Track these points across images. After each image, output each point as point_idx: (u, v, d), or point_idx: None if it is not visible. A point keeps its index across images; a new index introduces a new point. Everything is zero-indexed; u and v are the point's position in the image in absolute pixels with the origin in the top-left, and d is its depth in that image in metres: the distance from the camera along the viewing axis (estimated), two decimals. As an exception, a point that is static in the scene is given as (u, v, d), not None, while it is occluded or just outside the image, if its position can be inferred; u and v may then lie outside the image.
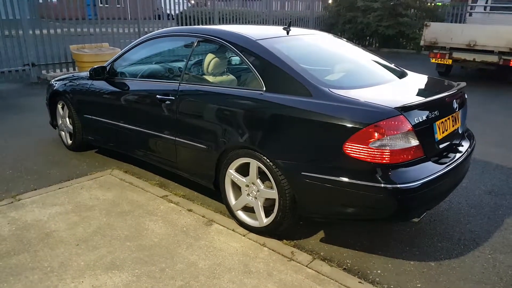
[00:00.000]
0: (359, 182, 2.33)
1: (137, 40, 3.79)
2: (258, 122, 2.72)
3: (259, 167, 2.75)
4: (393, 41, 15.69)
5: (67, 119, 4.49)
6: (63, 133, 4.64)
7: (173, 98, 3.21)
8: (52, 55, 9.16)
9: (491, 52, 8.48)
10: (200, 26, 3.58)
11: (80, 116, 4.25)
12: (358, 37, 16.77)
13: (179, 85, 3.24)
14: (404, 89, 2.98)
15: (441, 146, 2.65)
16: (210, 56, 3.23)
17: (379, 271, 2.57)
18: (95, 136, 4.22)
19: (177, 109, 3.19)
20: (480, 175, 4.11)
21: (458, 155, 2.75)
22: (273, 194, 2.70)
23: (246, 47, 2.92)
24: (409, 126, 2.32)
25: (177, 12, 12.24)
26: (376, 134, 2.27)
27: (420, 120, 2.41)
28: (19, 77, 8.76)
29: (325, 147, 2.45)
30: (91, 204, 3.29)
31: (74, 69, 9.46)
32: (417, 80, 3.26)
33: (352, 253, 2.75)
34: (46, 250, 2.64)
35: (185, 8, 12.38)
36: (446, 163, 2.59)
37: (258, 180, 2.80)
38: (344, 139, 2.34)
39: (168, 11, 12.13)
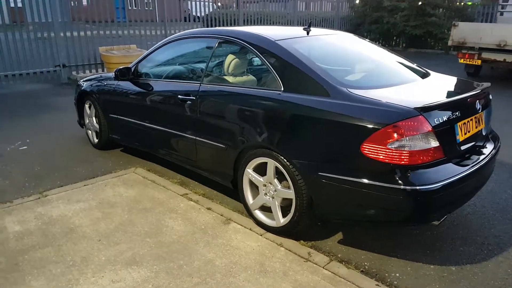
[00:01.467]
0: (376, 183, 2.31)
1: (160, 42, 3.87)
2: (276, 122, 2.74)
3: (276, 167, 2.76)
4: (420, 41, 15.38)
5: (93, 118, 4.63)
6: (89, 132, 4.79)
7: (194, 98, 3.26)
8: (82, 57, 9.45)
9: (522, 52, 8.20)
10: (221, 28, 3.63)
11: (106, 116, 4.38)
12: (385, 37, 16.51)
13: (200, 85, 3.29)
14: (426, 89, 2.93)
15: (463, 147, 2.59)
16: (230, 57, 3.27)
17: (397, 274, 2.53)
18: (120, 135, 4.33)
19: (198, 109, 3.24)
20: (507, 179, 3.98)
21: (481, 157, 2.68)
22: (290, 194, 2.71)
23: (265, 47, 2.94)
24: (429, 127, 2.29)
25: (203, 14, 12.40)
26: (394, 135, 2.24)
27: (441, 121, 2.37)
28: (50, 77, 9.09)
29: (343, 147, 2.44)
30: (114, 201, 3.38)
31: (103, 70, 9.73)
32: (439, 81, 3.20)
33: (370, 255, 2.72)
34: (69, 244, 2.74)
35: (211, 10, 12.51)
36: (468, 165, 2.53)
37: (275, 180, 2.81)
38: (362, 139, 2.32)
39: (195, 13, 12.30)
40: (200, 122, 3.26)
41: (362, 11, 16.56)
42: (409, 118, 2.26)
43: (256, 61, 3.14)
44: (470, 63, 8.87)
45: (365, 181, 2.35)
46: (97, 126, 4.57)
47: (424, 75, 3.21)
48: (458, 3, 14.58)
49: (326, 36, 3.47)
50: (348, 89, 2.53)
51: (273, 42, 2.95)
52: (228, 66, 3.25)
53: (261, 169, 2.90)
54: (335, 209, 2.60)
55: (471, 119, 2.65)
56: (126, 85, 4.02)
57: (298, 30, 3.41)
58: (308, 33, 3.33)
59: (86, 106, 4.71)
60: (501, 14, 11.24)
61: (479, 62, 8.80)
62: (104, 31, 9.82)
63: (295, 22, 14.23)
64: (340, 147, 2.45)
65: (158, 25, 10.89)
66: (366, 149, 2.32)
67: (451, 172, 2.40)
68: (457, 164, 2.49)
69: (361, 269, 2.57)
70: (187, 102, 3.33)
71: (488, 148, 2.85)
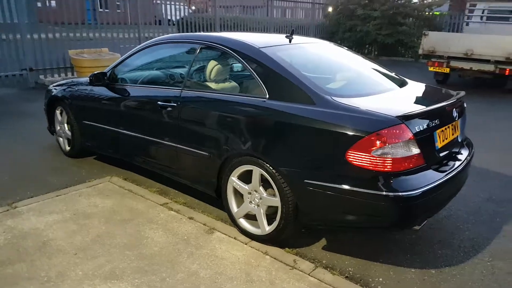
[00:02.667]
0: (361, 190, 2.31)
1: (138, 46, 3.76)
2: (260, 130, 2.70)
3: (261, 175, 2.72)
4: (391, 50, 15.78)
5: (65, 125, 4.44)
6: (61, 139, 4.60)
7: (175, 104, 3.18)
8: (51, 60, 9.13)
9: (487, 61, 8.53)
10: (203, 33, 3.56)
11: (79, 122, 4.21)
12: (358, 45, 16.86)
13: (181, 91, 3.21)
14: (405, 98, 2.97)
15: (441, 154, 2.64)
16: (212, 63, 3.21)
17: (380, 279, 2.54)
18: (94, 142, 4.18)
19: (179, 115, 3.16)
20: (478, 183, 4.09)
21: (458, 163, 2.75)
22: (276, 201, 2.67)
23: (249, 54, 2.90)
24: (410, 135, 2.31)
25: (177, 18, 12.26)
26: (378, 142, 2.25)
27: (421, 129, 2.40)
28: (16, 81, 8.71)
29: (328, 155, 2.43)
30: (90, 212, 3.24)
31: (72, 74, 9.43)
32: (417, 89, 3.26)
33: (354, 261, 2.71)
34: (43, 259, 2.59)
35: (185, 14, 12.38)
36: (447, 171, 2.58)
37: (261, 188, 2.77)
38: (347, 147, 2.32)
39: (168, 17, 12.15)
40: (181, 129, 3.18)
41: (336, 20, 16.85)
42: (392, 126, 2.28)
43: (240, 68, 3.10)
44: (439, 71, 9.16)
45: (350, 188, 2.35)
46: (69, 133, 4.39)
47: (402, 84, 3.26)
48: (427, 13, 15.07)
49: (307, 44, 3.48)
50: (332, 97, 2.53)
51: (257, 49, 2.92)
52: (211, 72, 3.19)
53: (245, 177, 2.85)
54: (321, 216, 2.59)
55: (448, 127, 2.71)
56: (101, 90, 3.88)
57: (280, 38, 3.39)
58: (290, 41, 3.32)
59: (57, 112, 4.52)
60: (467, 24, 11.69)
61: (447, 70, 9.10)
62: (74, 33, 9.52)
63: (271, 28, 14.30)
64: (325, 155, 2.44)
65: (131, 28, 10.67)
66: (351, 157, 2.31)
67: (431, 178, 2.44)
68: (437, 170, 2.53)
69: (346, 274, 2.56)
70: (168, 109, 3.24)
71: (464, 154, 2.92)
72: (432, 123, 2.50)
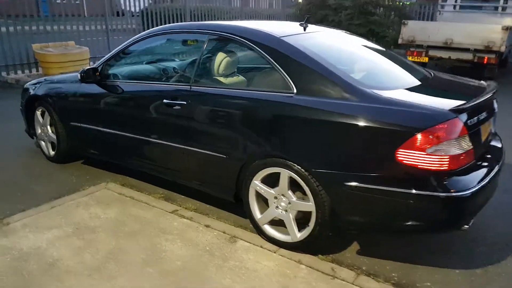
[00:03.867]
0: (413, 191, 2.14)
1: (134, 38, 3.40)
2: (289, 128, 2.48)
3: (290, 177, 2.50)
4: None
5: (48, 127, 4.03)
6: (43, 143, 4.18)
7: (184, 102, 2.89)
8: (13, 56, 8.44)
9: (466, 50, 8.66)
10: (210, 22, 3.25)
11: (66, 124, 3.82)
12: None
13: (190, 88, 2.93)
14: (442, 89, 2.84)
15: (484, 149, 2.52)
16: (224, 56, 2.95)
17: (428, 283, 2.40)
18: (85, 145, 3.81)
19: (189, 114, 2.88)
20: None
21: (498, 156, 2.64)
22: (309, 206, 2.47)
23: (270, 45, 2.66)
24: (464, 130, 2.16)
25: (137, 9, 11.68)
26: (433, 139, 2.09)
27: (472, 123, 2.27)
28: (-25, 80, 8.01)
29: (374, 154, 2.24)
30: (93, 225, 2.91)
31: (37, 70, 8.79)
32: (447, 80, 3.12)
33: (395, 265, 2.56)
34: (55, 283, 2.27)
35: (145, 4, 11.72)
36: (492, 166, 2.46)
37: (290, 191, 2.55)
38: (397, 145, 2.14)
39: (129, 8, 11.58)
40: (192, 130, 2.90)
41: (307, 9, 16.69)
42: (446, 121, 2.12)
43: (258, 60, 2.85)
44: (418, 60, 9.21)
45: (400, 189, 2.17)
46: (53, 136, 3.99)
47: (428, 74, 3.10)
48: (397, 2, 15.21)
49: (321, 32, 3.26)
50: (371, 90, 2.34)
51: (279, 39, 2.69)
52: (224, 66, 2.93)
53: (270, 180, 2.63)
54: (363, 220, 2.40)
55: (489, 120, 2.59)
56: (93, 88, 3.51)
57: (295, 26, 3.16)
58: (305, 29, 3.10)
59: (38, 113, 4.10)
60: (440, 13, 11.87)
61: (426, 59, 9.17)
62: (30, 26, 8.77)
63: (242, 18, 13.98)
64: (370, 155, 2.25)
65: (98, 20, 10.06)
66: (402, 156, 2.14)
67: (481, 175, 2.31)
68: (484, 166, 2.41)
69: (391, 281, 2.40)
70: (175, 107, 2.95)
71: (499, 146, 2.82)
72: (481, 116, 2.37)
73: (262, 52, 2.67)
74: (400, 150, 2.14)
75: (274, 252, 2.62)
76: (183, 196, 3.45)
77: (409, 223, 2.27)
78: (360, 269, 2.50)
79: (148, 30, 3.36)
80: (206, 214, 3.13)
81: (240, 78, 2.99)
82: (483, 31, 8.45)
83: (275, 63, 2.60)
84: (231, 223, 2.99)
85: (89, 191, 3.47)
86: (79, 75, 3.42)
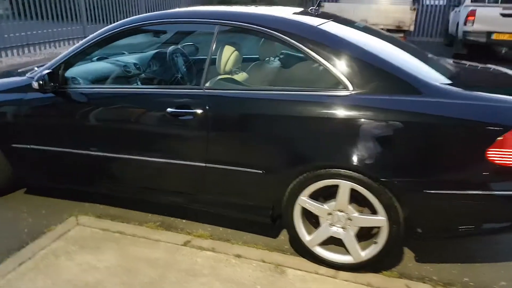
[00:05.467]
0: (507, 193, 1.97)
1: (107, 29, 2.61)
2: (350, 133, 2.12)
3: (352, 190, 2.16)
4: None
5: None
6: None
7: (199, 111, 2.32)
8: None
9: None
10: (220, 9, 2.59)
11: (5, 147, 2.89)
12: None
13: (204, 91, 2.36)
14: (491, 81, 2.66)
15: None
16: (231, 49, 2.44)
17: (503, 283, 2.29)
18: (37, 173, 2.94)
19: (208, 125, 2.32)
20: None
21: None
22: (379, 221, 2.16)
23: (310, 37, 2.23)
24: None
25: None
26: None
27: None
28: None
29: (459, 156, 2.01)
30: (94, 281, 2.22)
31: None
32: (489, 69, 2.94)
33: (459, 268, 2.40)
34: None
35: None
36: None
37: (350, 206, 2.21)
38: (487, 144, 1.94)
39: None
40: (212, 144, 2.36)
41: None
42: None
43: (293, 55, 2.40)
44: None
45: (492, 192, 1.99)
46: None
47: (465, 64, 2.93)
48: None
49: (337, 19, 2.86)
50: (441, 84, 2.09)
51: (319, 30, 2.27)
52: (242, 63, 2.41)
53: (317, 195, 2.26)
54: (445, 229, 2.17)
55: None
56: (48, 98, 2.67)
57: (309, 13, 2.74)
58: (317, 15, 2.70)
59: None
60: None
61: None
62: None
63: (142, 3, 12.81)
64: (454, 157, 2.02)
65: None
66: (494, 155, 1.94)
67: None
68: None
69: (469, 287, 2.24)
70: (185, 117, 2.36)
71: None
72: None
73: (300, 45, 2.22)
74: (491, 149, 1.94)
75: (335, 278, 2.27)
76: (183, 221, 2.87)
77: (499, 225, 2.10)
78: (432, 279, 2.30)
79: (129, 19, 2.62)
80: (226, 240, 2.63)
81: (269, 77, 2.50)
82: (395, 11, 8.94)
83: (320, 58, 2.19)
84: (263, 247, 2.55)
85: (58, 232, 2.67)
86: (34, 82, 2.53)
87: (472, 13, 9.86)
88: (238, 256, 2.43)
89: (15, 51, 8.54)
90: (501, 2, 9.22)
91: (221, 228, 2.77)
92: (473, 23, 8.54)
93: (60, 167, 2.85)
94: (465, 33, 8.66)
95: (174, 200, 2.64)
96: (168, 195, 2.64)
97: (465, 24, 8.59)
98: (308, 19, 2.41)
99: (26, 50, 8.81)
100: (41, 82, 2.50)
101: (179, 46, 3.30)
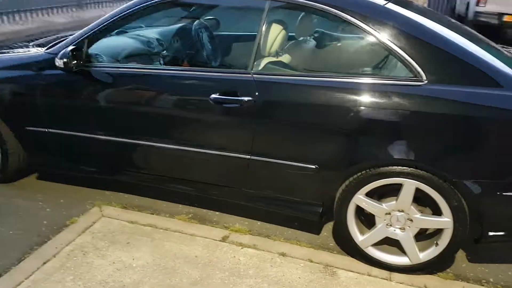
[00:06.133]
0: None
1: (138, 2, 2.31)
2: (421, 128, 1.93)
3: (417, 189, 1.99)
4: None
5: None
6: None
7: (247, 98, 2.09)
8: None
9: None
10: None
11: (18, 130, 2.62)
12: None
13: (252, 77, 2.12)
14: None
15: None
16: (279, 28, 2.19)
17: None
18: (57, 159, 2.68)
19: (258, 114, 2.10)
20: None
21: None
22: (443, 223, 2.00)
23: (377, 18, 1.99)
24: None
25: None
26: None
27: None
28: None
29: None
30: (131, 281, 2.03)
31: None
32: None
33: (513, 269, 2.29)
34: None
35: None
36: None
37: (413, 206, 2.04)
38: None
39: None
40: (262, 135, 2.15)
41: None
42: None
43: (356, 38, 2.15)
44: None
45: None
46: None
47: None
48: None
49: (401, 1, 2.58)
50: None
51: (386, 9, 2.04)
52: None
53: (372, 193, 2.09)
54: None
55: None
56: (72, 77, 2.39)
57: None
58: None
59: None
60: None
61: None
62: None
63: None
64: None
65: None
66: None
67: None
68: None
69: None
70: (230, 105, 2.13)
71: None
72: None
73: (366, 26, 1.99)
74: None
75: (391, 281, 2.12)
76: (217, 213, 2.68)
77: None
78: (489, 281, 2.17)
79: None
80: (266, 236, 2.46)
81: (322, 61, 2.27)
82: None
83: (390, 43, 1.96)
84: (307, 244, 2.38)
85: (82, 225, 2.46)
86: (58, 60, 2.24)
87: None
88: (283, 254, 2.26)
89: (5, 18, 8.03)
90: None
91: (258, 223, 2.59)
92: (485, 3, 8.29)
93: (84, 153, 2.61)
94: (477, 13, 8.42)
95: (212, 193, 2.44)
96: (206, 187, 2.43)
97: (477, 4, 8.33)
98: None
99: (17, 17, 8.30)
100: (66, 60, 2.22)
101: (202, 21, 3.03)
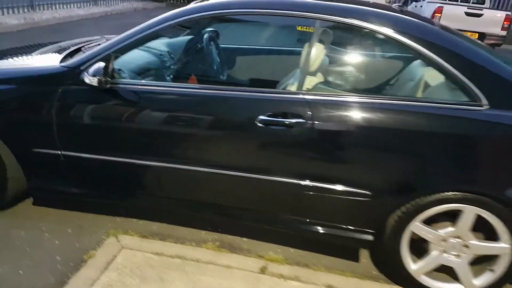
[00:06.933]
0: None
1: (175, 16, 2.10)
2: (482, 154, 1.90)
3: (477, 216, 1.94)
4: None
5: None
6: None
7: (298, 120, 1.95)
8: None
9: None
10: (322, 1, 2.18)
11: (22, 153, 2.30)
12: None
13: (303, 97, 1.99)
14: None
15: None
16: (325, 47, 2.08)
17: None
18: (67, 183, 2.38)
19: (307, 136, 1.97)
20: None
21: None
22: (502, 249, 1.97)
23: (436, 42, 1.94)
24: None
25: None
26: None
27: None
28: None
29: None
30: (179, 327, 1.80)
31: None
32: None
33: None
34: None
35: None
36: None
37: (470, 232, 1.99)
38: None
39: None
40: (312, 157, 2.01)
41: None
42: None
43: (408, 60, 2.08)
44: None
45: None
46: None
47: None
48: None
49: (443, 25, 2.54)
50: None
51: (443, 34, 1.99)
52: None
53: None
54: None
55: None
56: (97, 95, 2.11)
57: (393, 9, 2.43)
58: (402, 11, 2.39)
59: None
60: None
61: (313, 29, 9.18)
62: None
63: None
64: None
65: None
66: None
67: None
68: None
69: None
70: (280, 127, 1.98)
71: None
72: None
73: (424, 50, 1.92)
74: None
75: (446, 309, 2.05)
76: (244, 239, 2.49)
77: None
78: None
79: (204, 5, 2.12)
80: (304, 265, 2.31)
81: (382, 83, 2.17)
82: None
83: (450, 67, 1.90)
84: (351, 274, 2.26)
85: (103, 259, 2.18)
86: (90, 77, 1.97)
87: (439, 10, 10.14)
88: (330, 287, 2.13)
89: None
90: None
91: (291, 249, 2.44)
92: (439, 20, 8.69)
93: (102, 176, 2.33)
94: None
95: (249, 219, 2.26)
96: (242, 213, 2.25)
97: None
98: (420, 20, 2.10)
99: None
100: (99, 78, 1.96)
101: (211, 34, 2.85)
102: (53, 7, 10.29)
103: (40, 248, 2.25)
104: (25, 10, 9.40)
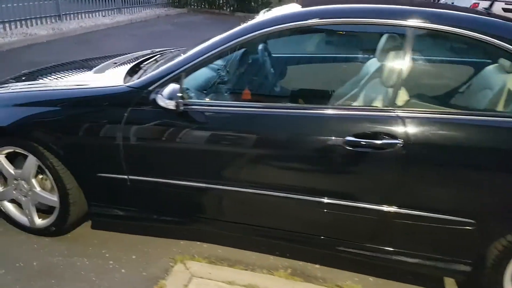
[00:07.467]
0: None
1: (256, 28, 1.95)
2: None
3: None
4: (246, 5, 15.16)
5: (33, 181, 2.29)
6: (10, 207, 2.42)
7: (392, 141, 1.78)
8: None
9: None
10: (415, 7, 1.99)
11: (85, 178, 2.19)
12: (210, 3, 15.74)
13: (397, 114, 1.81)
14: None
15: None
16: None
17: None
18: (133, 208, 2.26)
19: (404, 158, 1.79)
20: None
21: None
22: None
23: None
24: None
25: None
26: None
27: None
28: None
29: None
30: None
31: None
32: None
33: None
34: None
35: None
36: None
37: None
38: None
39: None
40: (408, 183, 1.84)
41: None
42: None
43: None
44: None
45: None
46: (50, 197, 2.29)
47: None
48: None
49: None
50: None
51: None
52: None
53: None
54: None
55: None
56: (170, 117, 1.97)
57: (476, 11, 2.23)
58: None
59: (1, 157, 2.30)
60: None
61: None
62: None
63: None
64: None
65: None
66: None
67: None
68: None
69: None
70: (369, 149, 1.81)
71: None
72: None
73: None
74: None
75: None
76: (316, 266, 2.34)
77: None
78: None
79: (292, 14, 1.97)
80: (384, 293, 2.14)
81: (482, 98, 1.98)
82: None
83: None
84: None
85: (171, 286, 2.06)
86: (166, 100, 1.85)
87: (475, 6, 9.79)
88: (420, 318, 1.96)
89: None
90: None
91: (370, 278, 2.27)
92: None
93: (170, 201, 2.21)
94: None
95: (330, 248, 2.10)
96: (323, 242, 2.09)
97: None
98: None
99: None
100: (178, 101, 1.84)
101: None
102: (79, 16, 10.30)
103: (107, 278, 2.14)
104: (53, 21, 9.42)
